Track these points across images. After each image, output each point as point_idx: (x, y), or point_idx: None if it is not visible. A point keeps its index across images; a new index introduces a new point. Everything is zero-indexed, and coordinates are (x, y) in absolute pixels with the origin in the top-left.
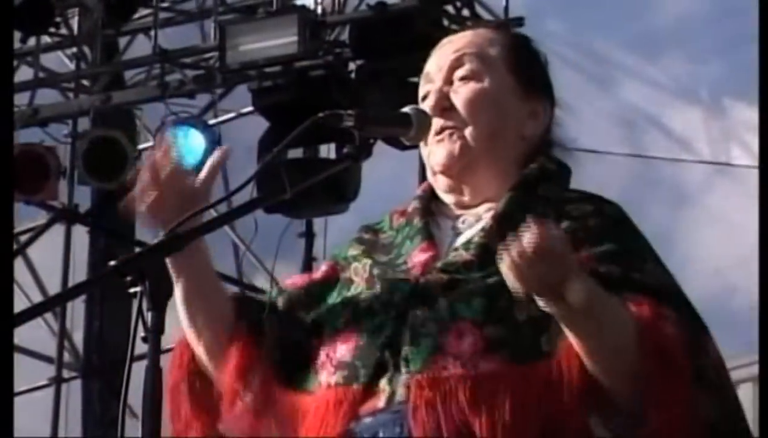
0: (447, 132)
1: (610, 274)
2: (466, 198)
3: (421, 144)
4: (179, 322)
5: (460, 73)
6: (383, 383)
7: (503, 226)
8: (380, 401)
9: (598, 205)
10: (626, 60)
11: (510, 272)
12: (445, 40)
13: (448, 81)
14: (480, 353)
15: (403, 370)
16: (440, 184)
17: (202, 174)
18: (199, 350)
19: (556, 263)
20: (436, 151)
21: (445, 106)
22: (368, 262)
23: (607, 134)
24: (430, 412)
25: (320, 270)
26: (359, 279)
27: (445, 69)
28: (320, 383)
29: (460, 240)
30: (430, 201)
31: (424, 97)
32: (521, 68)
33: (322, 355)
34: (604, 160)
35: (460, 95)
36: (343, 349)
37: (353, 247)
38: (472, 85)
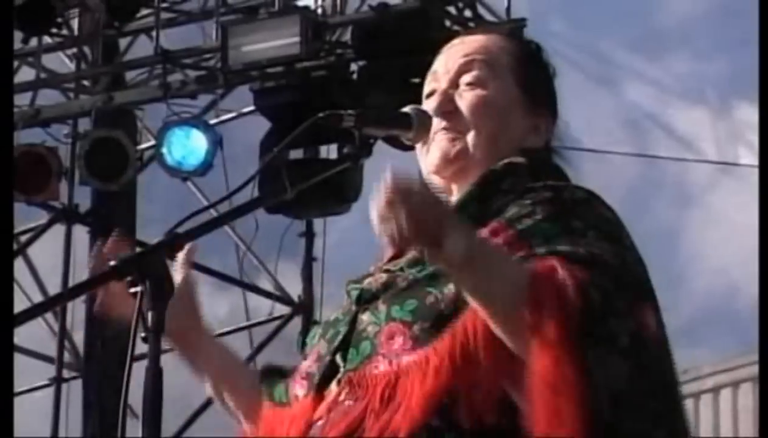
0: (447, 133)
1: (537, 251)
2: (454, 201)
3: (418, 144)
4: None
5: (467, 78)
6: (333, 385)
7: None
8: (328, 402)
9: (558, 192)
10: (630, 60)
11: (382, 225)
12: (456, 41)
13: (455, 84)
14: (407, 352)
15: (343, 371)
16: (434, 184)
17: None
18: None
19: (422, 209)
20: (433, 150)
21: (448, 109)
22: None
23: (611, 134)
24: (352, 409)
25: None
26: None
27: (453, 72)
28: (291, 396)
29: None
30: None
31: (429, 95)
32: (529, 81)
33: (295, 372)
34: (611, 160)
35: (465, 100)
36: (308, 362)
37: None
38: (478, 92)
